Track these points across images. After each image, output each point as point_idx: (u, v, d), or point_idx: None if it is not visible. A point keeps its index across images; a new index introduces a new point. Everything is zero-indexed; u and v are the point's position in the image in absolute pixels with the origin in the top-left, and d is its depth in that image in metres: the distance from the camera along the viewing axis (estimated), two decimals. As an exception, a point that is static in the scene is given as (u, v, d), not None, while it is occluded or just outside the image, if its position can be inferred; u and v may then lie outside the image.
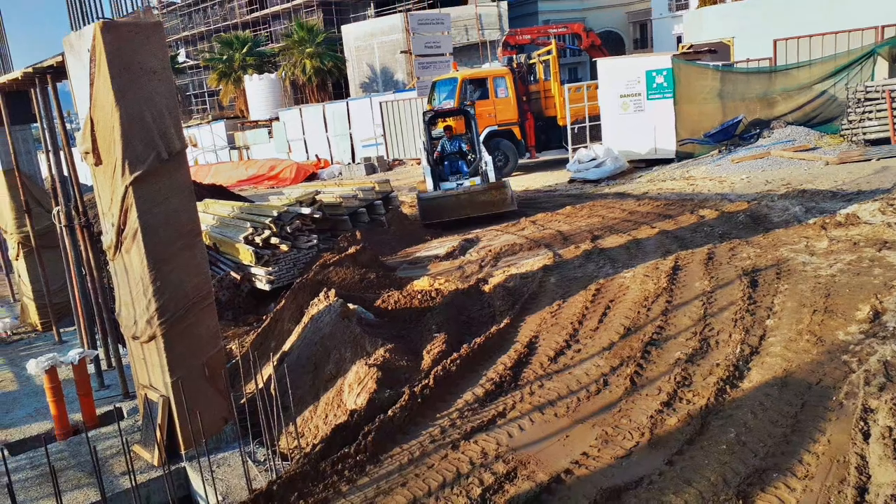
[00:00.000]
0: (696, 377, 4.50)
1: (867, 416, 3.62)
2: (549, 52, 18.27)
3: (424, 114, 13.24)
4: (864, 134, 12.90)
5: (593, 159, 14.94)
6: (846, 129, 13.32)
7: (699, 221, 8.74)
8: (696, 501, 3.25)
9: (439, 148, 12.92)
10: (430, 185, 12.27)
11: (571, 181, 15.06)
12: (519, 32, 20.57)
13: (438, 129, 13.91)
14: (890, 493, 2.98)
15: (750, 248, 6.88)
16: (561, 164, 17.68)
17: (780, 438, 3.64)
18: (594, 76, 17.72)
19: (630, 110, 15.34)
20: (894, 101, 12.43)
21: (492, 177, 12.13)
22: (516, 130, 17.78)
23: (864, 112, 12.97)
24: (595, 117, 16.65)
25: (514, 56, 19.09)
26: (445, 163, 12.79)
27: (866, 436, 3.46)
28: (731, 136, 15.35)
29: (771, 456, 3.51)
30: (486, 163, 12.26)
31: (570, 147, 17.06)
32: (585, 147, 15.82)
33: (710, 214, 9.02)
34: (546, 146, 18.75)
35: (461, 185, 11.95)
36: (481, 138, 14.02)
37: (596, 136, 16.62)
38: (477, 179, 12.05)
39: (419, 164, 17.72)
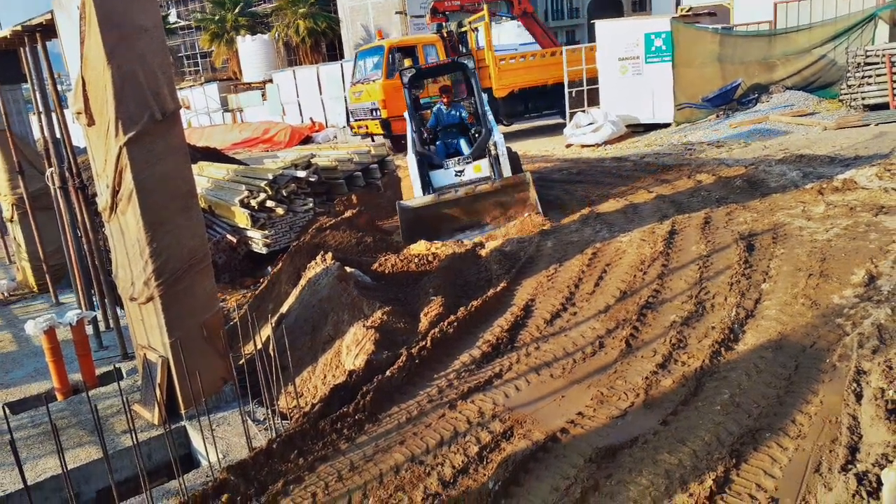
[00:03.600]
0: (691, 339, 4.54)
1: (860, 378, 3.67)
2: (481, 19, 17.21)
3: (401, 73, 9.16)
4: (863, 99, 12.83)
5: (591, 124, 14.84)
6: (845, 94, 13.23)
7: (696, 186, 8.74)
8: (690, 460, 3.30)
9: (431, 120, 9.47)
10: (417, 188, 8.45)
11: (568, 146, 14.97)
12: None
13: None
14: (881, 452, 3.04)
15: (747, 212, 6.89)
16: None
17: (774, 399, 3.69)
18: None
19: (628, 74, 15.20)
20: (894, 66, 12.33)
21: (506, 167, 8.44)
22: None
23: (863, 77, 12.87)
24: (592, 80, 16.46)
25: (444, 23, 18.01)
26: (438, 142, 9.30)
27: (859, 397, 3.51)
28: (729, 101, 15.26)
29: (764, 416, 3.56)
30: (495, 144, 8.52)
31: (567, 111, 16.92)
32: (583, 111, 15.68)
33: (707, 179, 9.01)
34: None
35: (461, 174, 8.56)
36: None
37: (593, 100, 16.48)
38: (483, 164, 8.54)
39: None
